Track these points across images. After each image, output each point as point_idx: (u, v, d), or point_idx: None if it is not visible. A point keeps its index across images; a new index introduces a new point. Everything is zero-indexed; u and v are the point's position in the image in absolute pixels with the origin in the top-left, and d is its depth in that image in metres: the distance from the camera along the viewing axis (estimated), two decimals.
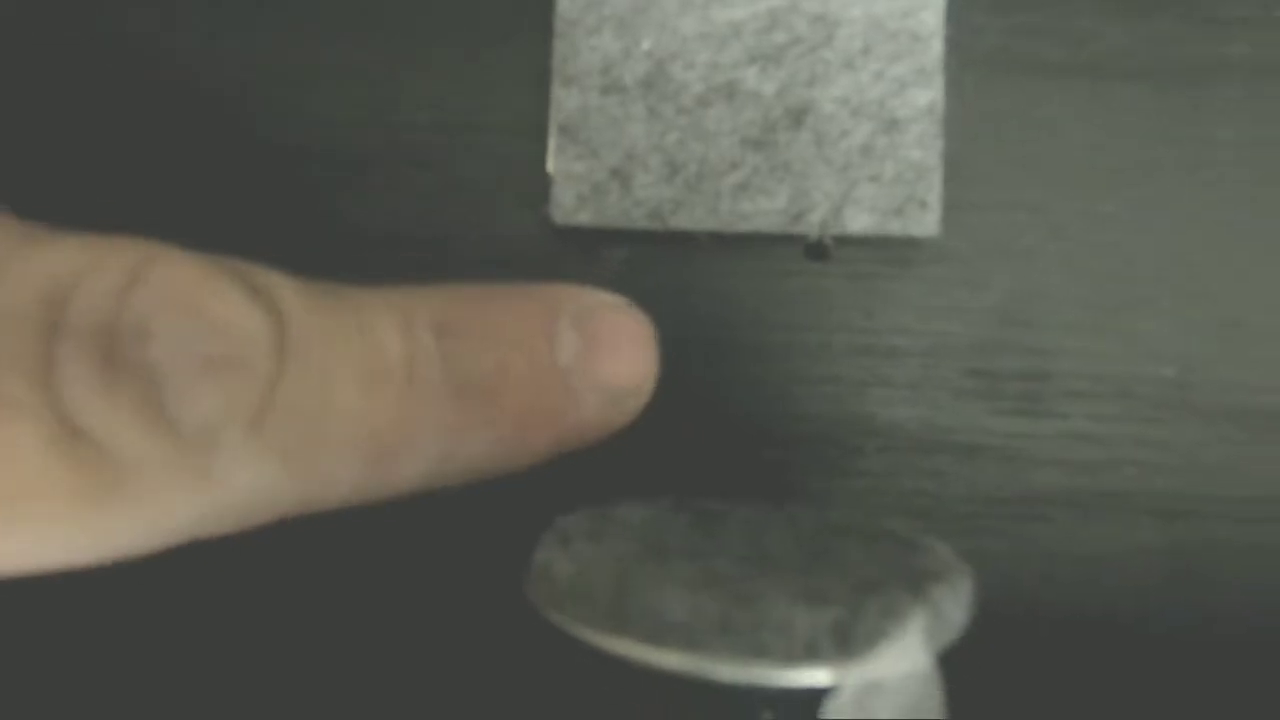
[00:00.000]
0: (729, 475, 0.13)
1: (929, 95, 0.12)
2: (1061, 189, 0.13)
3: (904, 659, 0.07)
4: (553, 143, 0.13)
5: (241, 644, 0.13)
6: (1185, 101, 0.13)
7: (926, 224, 0.13)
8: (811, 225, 0.13)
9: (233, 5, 0.13)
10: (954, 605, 0.08)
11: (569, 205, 0.13)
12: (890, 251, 0.13)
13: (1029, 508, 0.13)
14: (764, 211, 0.13)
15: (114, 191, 0.13)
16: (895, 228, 0.13)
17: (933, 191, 0.12)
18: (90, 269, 0.08)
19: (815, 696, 0.07)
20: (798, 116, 0.12)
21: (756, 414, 0.13)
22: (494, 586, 0.10)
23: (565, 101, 0.13)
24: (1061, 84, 0.13)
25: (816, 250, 0.13)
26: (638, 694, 0.08)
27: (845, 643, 0.07)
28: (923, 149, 0.12)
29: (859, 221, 0.13)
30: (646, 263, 0.13)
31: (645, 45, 0.12)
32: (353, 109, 0.13)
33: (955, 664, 0.10)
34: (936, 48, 0.13)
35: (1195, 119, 0.13)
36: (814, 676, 0.07)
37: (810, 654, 0.07)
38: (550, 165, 0.13)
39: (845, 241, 0.13)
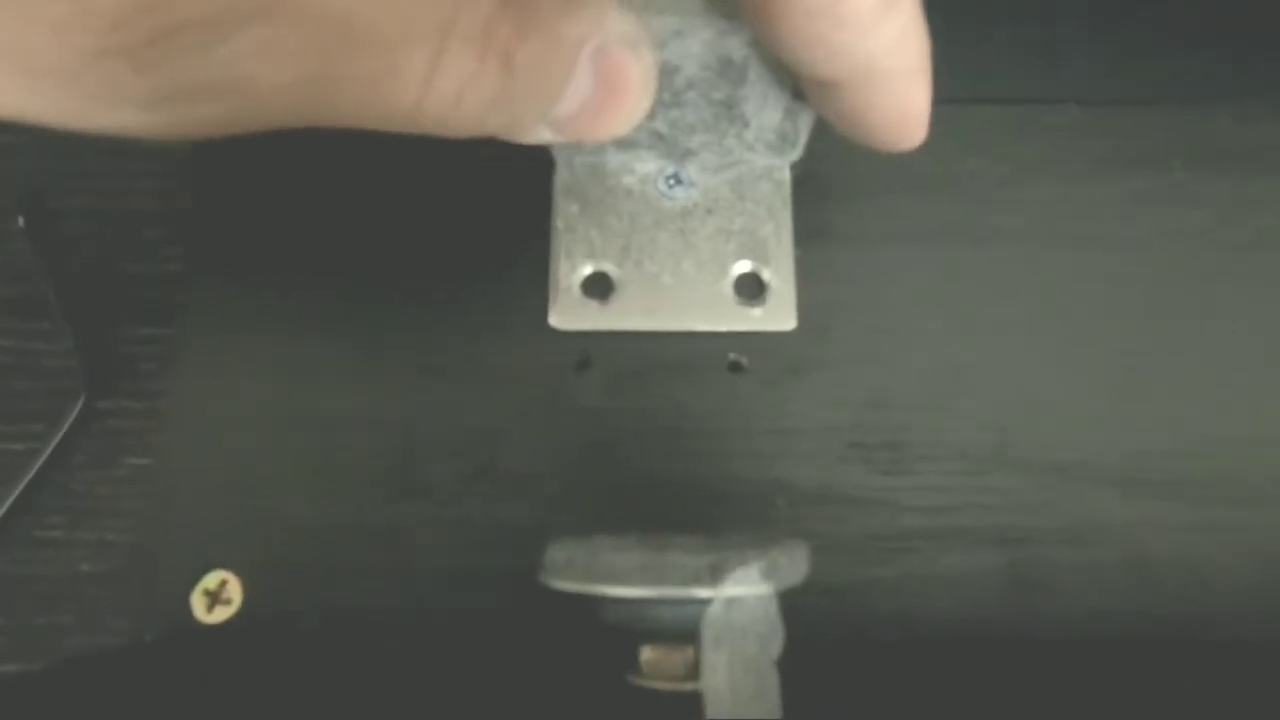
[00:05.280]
0: (674, 523, 0.18)
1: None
2: (896, 318, 0.19)
3: (750, 586, 0.12)
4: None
5: None
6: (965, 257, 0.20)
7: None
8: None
9: None
10: (787, 559, 0.13)
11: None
12: (787, 364, 0.19)
13: (901, 542, 0.18)
14: None
15: None
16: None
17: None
18: None
19: None
20: None
21: (699, 480, 0.18)
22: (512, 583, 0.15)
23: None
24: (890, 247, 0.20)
25: (735, 366, 0.19)
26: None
27: (715, 574, 0.12)
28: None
29: None
30: (620, 369, 0.19)
31: None
32: None
33: (852, 663, 0.15)
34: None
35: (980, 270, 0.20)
36: (698, 594, 0.12)
37: (695, 580, 0.12)
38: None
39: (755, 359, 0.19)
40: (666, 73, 0.16)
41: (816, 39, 0.13)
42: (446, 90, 0.11)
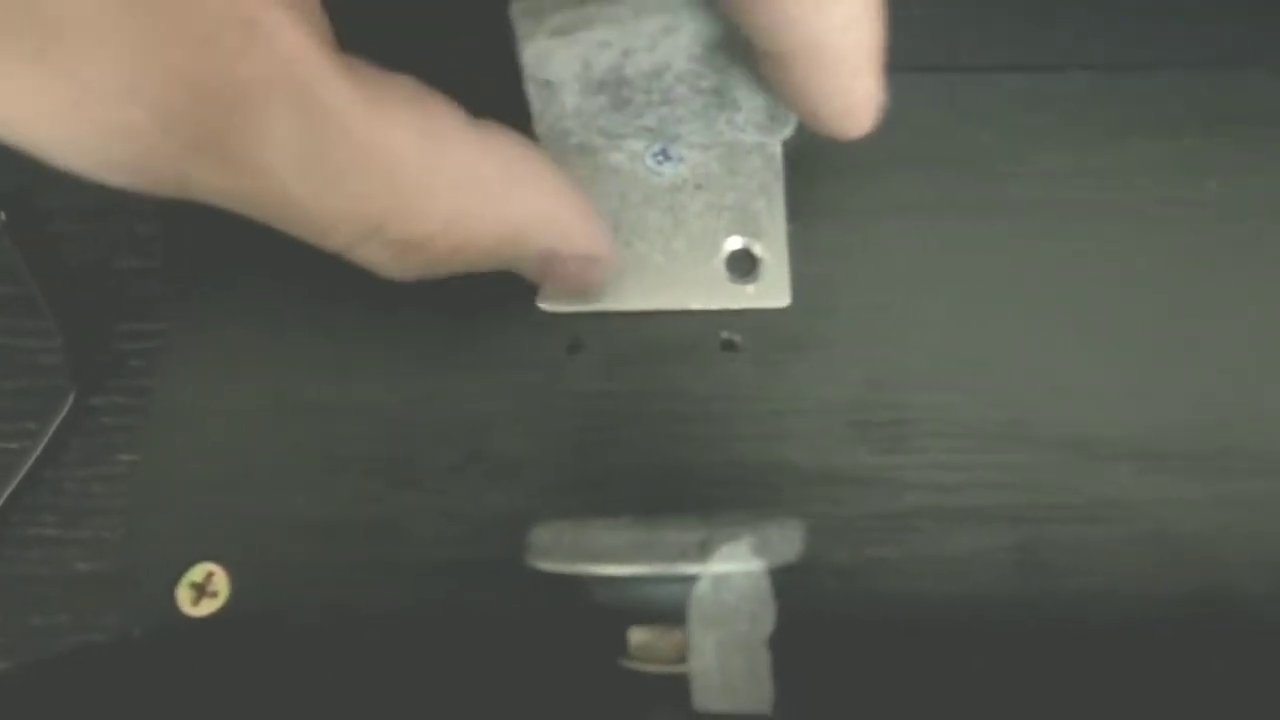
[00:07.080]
0: (671, 507, 0.18)
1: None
2: (896, 294, 0.19)
3: (740, 562, 0.12)
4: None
5: None
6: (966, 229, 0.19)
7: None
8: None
9: None
10: (780, 536, 0.12)
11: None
12: (782, 342, 0.18)
13: (905, 521, 0.18)
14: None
15: None
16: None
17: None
18: None
19: None
20: None
21: (696, 463, 0.18)
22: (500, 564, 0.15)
23: None
24: (890, 221, 0.19)
25: (729, 345, 0.19)
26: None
27: (704, 550, 0.11)
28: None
29: None
30: (612, 352, 0.18)
31: None
32: None
33: (854, 645, 0.14)
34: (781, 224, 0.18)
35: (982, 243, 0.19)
36: (686, 570, 0.11)
37: (683, 557, 0.11)
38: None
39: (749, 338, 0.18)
40: (656, 74, 0.16)
41: (771, 9, 0.13)
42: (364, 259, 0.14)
